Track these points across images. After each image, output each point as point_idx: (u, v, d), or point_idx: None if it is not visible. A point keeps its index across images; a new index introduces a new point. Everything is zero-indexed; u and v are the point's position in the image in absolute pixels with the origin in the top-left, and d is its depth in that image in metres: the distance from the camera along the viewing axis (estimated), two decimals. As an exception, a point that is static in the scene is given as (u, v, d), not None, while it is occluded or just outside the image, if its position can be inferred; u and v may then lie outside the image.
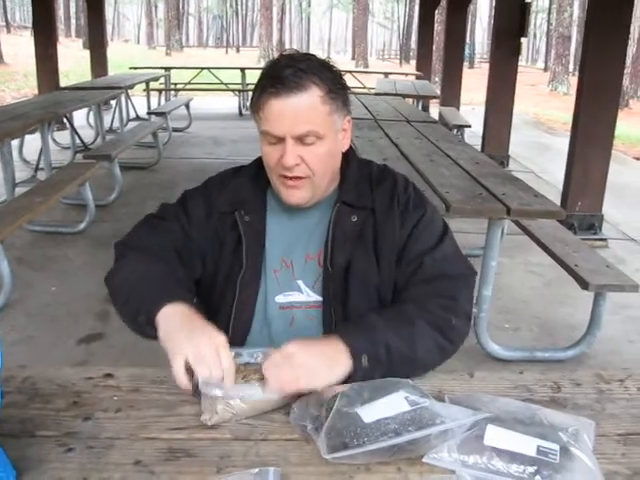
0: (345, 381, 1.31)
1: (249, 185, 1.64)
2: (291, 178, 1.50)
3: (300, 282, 1.59)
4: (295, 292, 1.59)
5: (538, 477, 1.07)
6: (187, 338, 1.28)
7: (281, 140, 1.46)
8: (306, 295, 1.59)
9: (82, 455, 1.17)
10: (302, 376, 1.26)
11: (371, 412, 1.14)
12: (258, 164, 1.65)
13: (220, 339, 1.29)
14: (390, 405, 1.16)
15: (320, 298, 1.58)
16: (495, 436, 1.13)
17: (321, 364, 1.30)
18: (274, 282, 1.59)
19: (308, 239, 1.61)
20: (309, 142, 1.46)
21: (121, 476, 1.12)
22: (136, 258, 1.54)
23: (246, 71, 13.55)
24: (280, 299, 1.59)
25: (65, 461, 1.15)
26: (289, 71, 1.43)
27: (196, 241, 1.61)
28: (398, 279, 1.56)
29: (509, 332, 3.86)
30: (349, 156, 1.66)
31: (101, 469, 1.13)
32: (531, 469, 1.08)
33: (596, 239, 5.55)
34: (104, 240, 5.01)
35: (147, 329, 1.39)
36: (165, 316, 1.36)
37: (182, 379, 1.27)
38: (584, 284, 3.27)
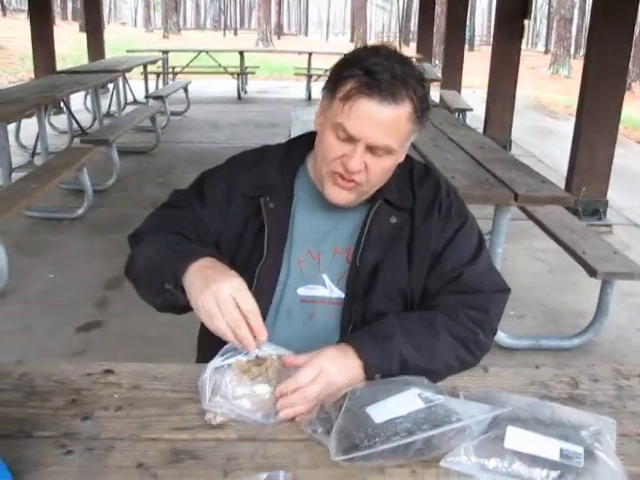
0: None
1: (277, 169, 1.55)
2: (346, 180, 1.41)
3: (325, 276, 1.52)
4: (319, 286, 1.52)
5: (562, 482, 1.02)
6: (200, 291, 1.25)
7: (352, 140, 1.36)
8: (329, 290, 1.52)
9: (82, 457, 1.12)
10: (329, 393, 1.22)
11: (382, 411, 1.08)
12: (289, 146, 1.58)
13: (233, 283, 1.26)
14: (402, 403, 1.10)
15: (343, 295, 1.50)
16: (516, 438, 1.08)
17: (346, 382, 1.25)
18: (297, 273, 1.52)
19: (339, 232, 1.53)
20: (379, 154, 1.37)
21: (123, 480, 1.07)
22: (151, 237, 1.48)
23: (245, 54, 13.44)
24: (302, 291, 1.52)
25: (64, 464, 1.11)
26: (388, 75, 1.32)
27: (210, 226, 1.53)
28: (430, 286, 1.50)
29: (514, 319, 3.80)
30: None
31: (102, 472, 1.09)
32: (554, 474, 1.03)
33: (601, 225, 5.50)
34: (103, 226, 4.99)
35: (177, 296, 1.34)
36: (188, 278, 1.31)
37: (221, 333, 1.24)
38: (592, 272, 3.22)
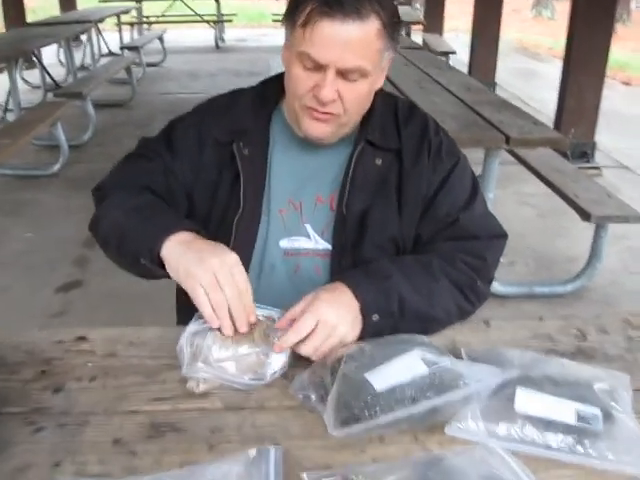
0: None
1: (250, 113, 1.43)
2: (321, 112, 1.29)
3: (308, 226, 1.41)
4: (302, 237, 1.41)
5: (579, 447, 0.93)
6: (196, 264, 1.15)
7: (321, 68, 1.24)
8: (314, 242, 1.41)
9: (54, 435, 1.03)
10: (333, 341, 1.15)
11: (383, 377, 0.98)
12: (262, 88, 1.45)
13: (232, 257, 1.17)
14: (404, 368, 1.00)
15: (329, 247, 1.40)
16: (527, 400, 0.99)
17: (347, 328, 1.18)
18: (279, 224, 1.41)
19: (321, 179, 1.42)
20: (352, 79, 1.25)
21: (98, 458, 0.97)
22: (119, 197, 1.36)
23: (221, 1, 13.05)
24: (285, 244, 1.41)
25: (35, 442, 1.01)
26: None
27: (181, 177, 1.41)
28: (423, 233, 1.40)
29: (505, 266, 3.70)
30: None
31: (75, 451, 0.99)
32: (570, 439, 0.94)
33: (589, 167, 5.40)
34: (80, 182, 4.79)
35: (155, 270, 1.24)
36: (170, 251, 1.20)
37: (211, 315, 1.14)
38: (585, 215, 3.13)
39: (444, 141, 1.43)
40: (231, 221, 1.38)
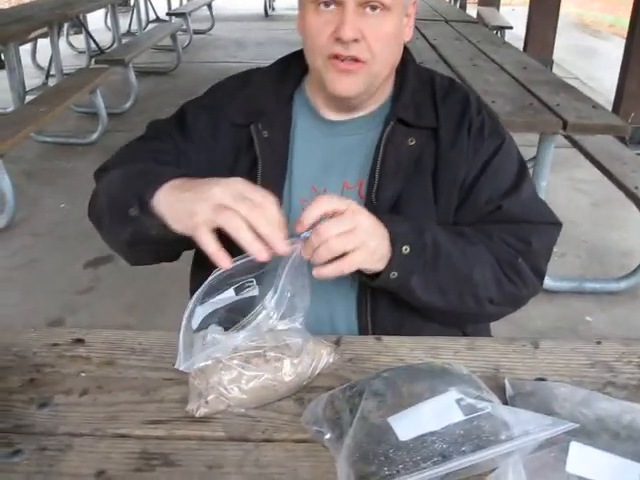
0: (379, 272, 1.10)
1: (269, 91, 1.31)
2: (344, 60, 1.16)
3: None
4: None
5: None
6: (197, 194, 1.00)
7: (338, 4, 1.14)
8: None
9: (30, 460, 0.90)
10: (357, 253, 1.03)
11: (410, 423, 0.81)
12: (281, 66, 1.33)
13: (237, 181, 1.01)
14: (436, 413, 0.82)
15: None
16: (582, 459, 0.81)
17: (377, 250, 1.07)
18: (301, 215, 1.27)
19: (347, 163, 1.28)
20: (375, 7, 1.15)
21: (76, 496, 0.84)
22: (116, 172, 1.23)
23: (272, -32, 12.85)
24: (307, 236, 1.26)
25: (7, 469, 0.88)
26: None
27: (194, 163, 1.29)
28: (462, 220, 1.26)
29: (555, 258, 3.48)
30: (405, 59, 1.31)
31: (51, 482, 0.85)
32: (634, 510, 0.77)
33: (649, 154, 5.10)
34: (118, 152, 4.69)
35: (144, 220, 1.07)
36: (164, 199, 1.05)
37: (212, 244, 0.96)
38: (647, 210, 2.90)
39: (486, 120, 1.28)
40: None
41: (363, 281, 1.16)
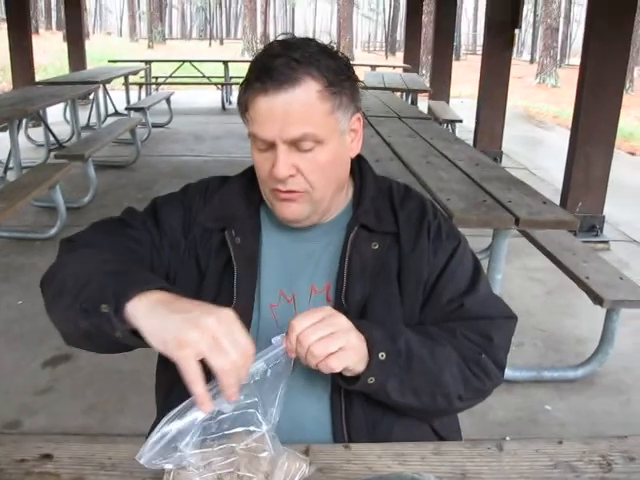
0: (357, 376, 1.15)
1: (241, 199, 1.35)
2: (285, 192, 1.22)
3: None
4: None
5: None
6: (189, 322, 0.96)
7: (272, 146, 1.20)
8: None
9: None
10: (343, 352, 1.09)
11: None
12: (251, 173, 1.36)
13: (230, 315, 1.00)
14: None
15: None
16: None
17: (355, 341, 1.12)
18: (270, 320, 1.29)
19: (314, 268, 1.32)
20: (306, 148, 1.20)
21: None
22: (88, 253, 1.22)
23: (229, 64, 13.23)
24: (277, 341, 1.27)
25: None
26: (280, 61, 1.17)
27: (165, 257, 1.31)
28: (427, 319, 1.31)
29: (513, 348, 3.47)
30: (363, 168, 1.38)
31: None
32: None
33: (598, 241, 5.28)
34: (77, 247, 4.66)
35: (114, 322, 1.04)
36: (145, 311, 1.02)
37: (199, 384, 0.95)
38: (598, 300, 2.99)
39: (443, 224, 1.35)
40: None
41: (341, 385, 1.19)
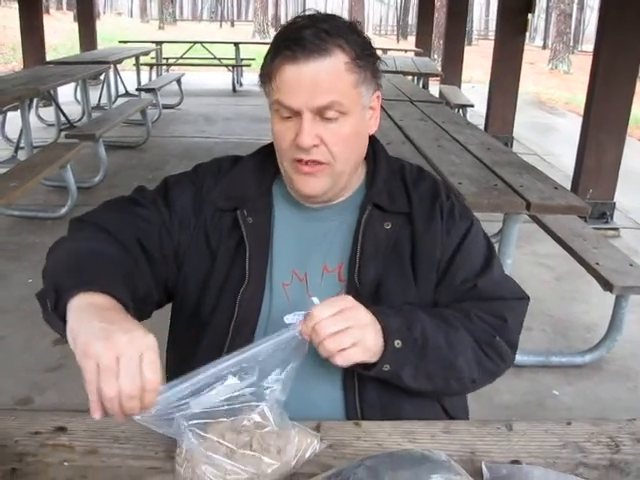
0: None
1: (253, 178, 1.36)
2: (307, 163, 1.23)
3: (315, 299, 1.28)
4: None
5: None
6: (102, 332, 0.94)
7: (297, 114, 1.21)
8: None
9: None
10: (355, 350, 1.11)
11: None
12: (264, 153, 1.38)
13: (148, 342, 0.94)
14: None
15: None
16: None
17: (374, 341, 1.15)
18: (282, 298, 1.30)
19: (327, 247, 1.33)
20: (331, 117, 1.21)
21: None
22: (88, 236, 1.25)
23: (240, 46, 13.18)
24: (290, 319, 1.27)
25: None
26: (309, 32, 1.18)
27: (175, 236, 1.32)
28: (440, 300, 1.32)
29: (522, 332, 3.57)
30: (376, 149, 1.39)
31: None
32: None
33: (608, 228, 5.26)
34: (87, 226, 4.67)
35: (52, 317, 1.07)
36: (78, 305, 1.02)
37: (93, 393, 0.92)
38: (608, 286, 2.99)
39: (456, 204, 1.36)
40: (233, 292, 1.28)
41: (356, 370, 1.21)
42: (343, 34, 1.20)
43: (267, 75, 1.24)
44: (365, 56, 1.23)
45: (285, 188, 1.37)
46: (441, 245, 1.31)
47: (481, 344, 1.27)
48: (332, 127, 1.22)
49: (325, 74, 1.18)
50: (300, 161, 1.24)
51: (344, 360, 1.10)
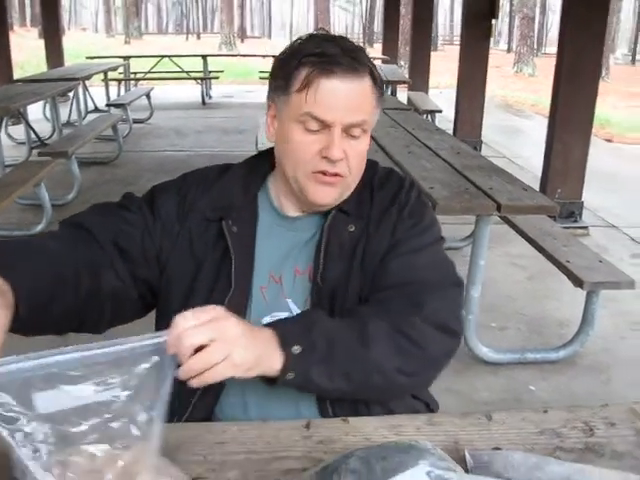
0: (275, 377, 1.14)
1: (239, 187, 1.40)
2: (331, 175, 1.29)
3: (290, 301, 1.35)
4: (285, 313, 1.34)
5: None
6: None
7: (325, 127, 1.26)
8: None
9: None
10: (221, 366, 1.02)
11: (386, 497, 0.90)
12: (252, 163, 1.43)
13: None
14: (409, 485, 0.92)
15: None
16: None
17: (245, 354, 1.06)
18: (261, 301, 1.36)
19: (299, 251, 1.38)
20: (356, 135, 1.29)
21: None
22: (54, 233, 1.31)
23: (208, 58, 13.20)
24: (267, 321, 1.32)
25: None
26: (337, 50, 1.25)
27: (158, 242, 1.36)
28: (371, 290, 1.34)
29: (496, 331, 3.67)
30: None
31: None
32: None
33: (577, 227, 5.38)
34: (63, 243, 4.66)
35: None
36: None
37: None
38: (578, 282, 3.09)
39: (411, 202, 1.38)
40: (220, 301, 1.28)
41: (264, 384, 1.18)
42: (368, 60, 1.30)
43: (293, 88, 1.27)
44: (381, 82, 1.33)
45: (266, 196, 1.42)
46: (388, 243, 1.34)
47: (401, 331, 1.24)
48: (353, 143, 1.29)
49: (357, 94, 1.26)
50: (323, 172, 1.29)
51: (212, 378, 1.03)
